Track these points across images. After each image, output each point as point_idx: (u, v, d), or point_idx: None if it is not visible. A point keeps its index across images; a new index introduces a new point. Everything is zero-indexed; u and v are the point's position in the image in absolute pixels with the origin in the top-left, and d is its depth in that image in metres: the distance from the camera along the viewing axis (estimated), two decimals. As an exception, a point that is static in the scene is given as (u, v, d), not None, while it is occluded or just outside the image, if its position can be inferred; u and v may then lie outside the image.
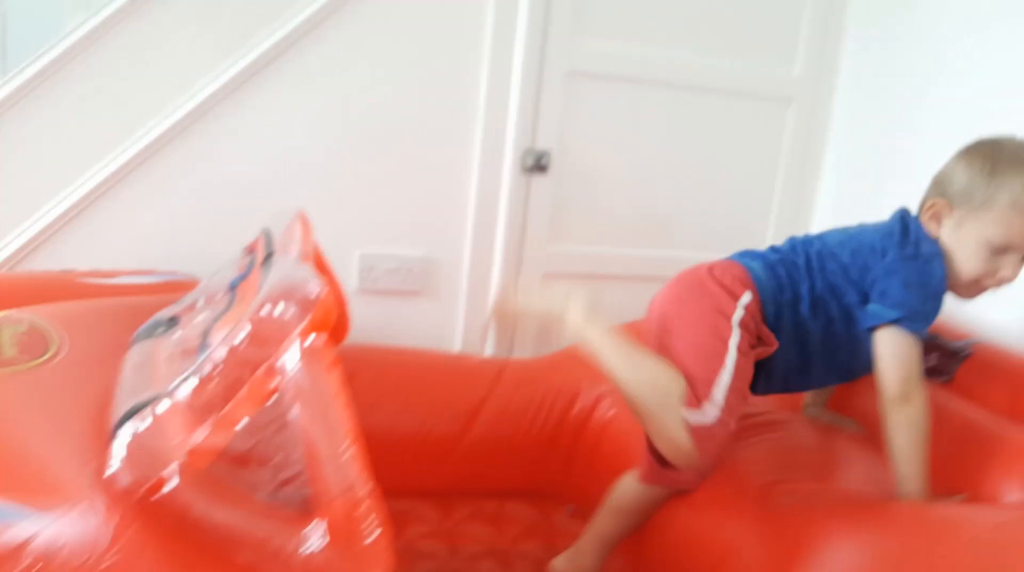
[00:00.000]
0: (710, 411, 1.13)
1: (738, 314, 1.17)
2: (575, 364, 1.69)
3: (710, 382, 1.14)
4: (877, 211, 1.81)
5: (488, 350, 1.89)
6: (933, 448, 1.17)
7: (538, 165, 1.81)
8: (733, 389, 1.14)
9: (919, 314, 1.14)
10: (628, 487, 1.31)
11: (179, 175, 1.64)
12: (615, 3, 1.81)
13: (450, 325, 1.88)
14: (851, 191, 1.94)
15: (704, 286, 1.22)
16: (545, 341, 1.93)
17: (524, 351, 1.91)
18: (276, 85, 1.66)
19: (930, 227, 1.18)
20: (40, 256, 1.59)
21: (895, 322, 1.12)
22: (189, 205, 1.66)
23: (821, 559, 1.01)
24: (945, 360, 1.38)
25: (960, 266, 1.15)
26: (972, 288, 1.17)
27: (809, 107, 1.99)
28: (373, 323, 1.82)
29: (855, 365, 1.21)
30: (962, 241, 1.14)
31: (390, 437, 1.52)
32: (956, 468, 1.21)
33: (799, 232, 2.02)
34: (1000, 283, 1.15)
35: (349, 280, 1.78)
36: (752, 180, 2.01)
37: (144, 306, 1.24)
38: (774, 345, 1.21)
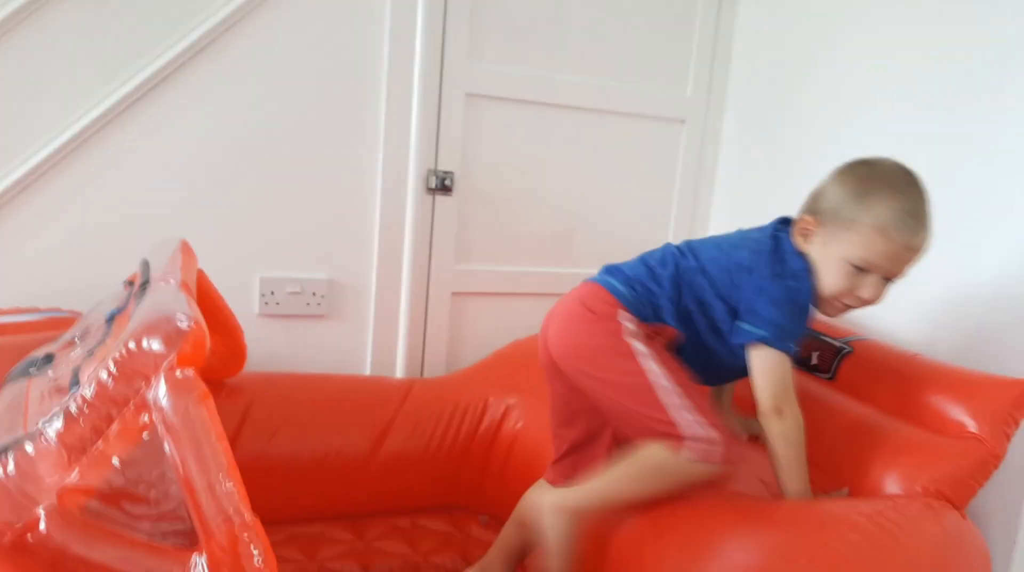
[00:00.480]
0: (692, 431, 1.11)
1: (625, 328, 1.20)
2: (482, 378, 1.72)
3: (664, 415, 1.13)
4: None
5: (399, 372, 1.90)
6: (820, 444, 1.24)
7: (442, 185, 1.83)
8: (680, 393, 1.14)
9: (787, 332, 1.16)
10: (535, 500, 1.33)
11: (62, 204, 1.59)
12: (510, 27, 1.84)
13: (360, 348, 1.88)
14: (742, 204, 2.03)
15: (584, 320, 1.23)
16: (455, 360, 1.95)
17: (435, 370, 1.92)
18: (165, 108, 1.62)
19: (799, 242, 1.21)
20: None
21: (764, 341, 1.16)
22: (73, 236, 1.61)
23: (713, 557, 1.05)
24: (827, 357, 1.43)
25: (823, 282, 1.18)
26: (834, 305, 1.20)
27: (700, 127, 2.07)
28: (278, 348, 1.81)
29: (735, 369, 1.24)
30: (827, 258, 1.17)
31: (296, 462, 1.51)
32: (842, 463, 1.27)
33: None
34: (861, 304, 1.17)
35: (250, 305, 1.76)
36: (650, 196, 2.08)
37: (21, 345, 1.21)
38: (671, 329, 1.23)
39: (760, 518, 1.10)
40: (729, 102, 2.06)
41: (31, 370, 1.05)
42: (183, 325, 0.83)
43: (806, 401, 1.31)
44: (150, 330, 0.82)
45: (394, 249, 1.84)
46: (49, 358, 1.06)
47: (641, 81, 1.99)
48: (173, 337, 0.82)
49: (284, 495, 1.50)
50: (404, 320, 1.87)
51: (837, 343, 1.43)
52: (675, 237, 2.09)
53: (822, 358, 1.44)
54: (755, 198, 1.97)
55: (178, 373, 0.81)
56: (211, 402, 0.81)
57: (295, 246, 1.78)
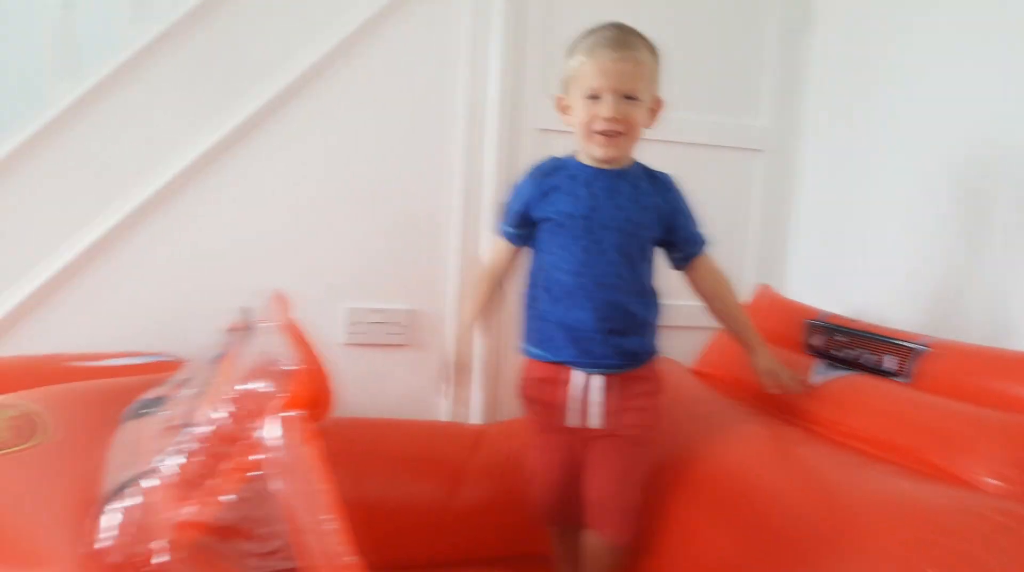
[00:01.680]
0: None
1: None
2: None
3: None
4: (848, 248, 1.87)
5: (446, 399, 1.91)
6: (901, 432, 1.26)
7: (517, 217, 1.86)
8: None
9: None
10: (596, 545, 1.39)
11: (158, 247, 1.69)
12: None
13: (437, 377, 1.91)
14: (825, 231, 1.99)
15: None
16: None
17: (510, 405, 1.94)
18: (257, 151, 1.71)
19: (565, 121, 1.38)
20: (15, 336, 1.62)
21: None
22: (169, 278, 1.70)
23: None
24: (903, 361, 1.41)
25: (576, 125, 1.34)
26: (592, 137, 1.32)
27: (777, 155, 2.05)
28: (361, 376, 1.85)
29: None
30: (573, 109, 1.34)
31: (379, 508, 1.53)
32: (925, 449, 1.22)
33: (774, 274, 2.09)
34: (606, 123, 1.30)
35: (336, 334, 1.82)
36: (726, 226, 2.06)
37: (130, 387, 1.27)
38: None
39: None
40: (807, 129, 2.04)
41: (144, 411, 1.11)
42: (292, 368, 0.87)
43: (886, 401, 1.32)
44: (261, 373, 0.87)
45: (471, 281, 1.87)
46: (160, 400, 1.12)
47: (714, 111, 1.99)
48: (283, 380, 0.86)
49: (366, 541, 1.52)
50: (479, 351, 1.90)
51: (912, 345, 1.41)
52: (751, 267, 2.08)
53: (898, 361, 1.41)
54: (839, 224, 1.94)
55: (288, 414, 0.84)
56: (318, 443, 0.84)
57: (379, 278, 1.84)
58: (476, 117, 1.81)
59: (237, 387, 0.87)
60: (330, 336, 1.81)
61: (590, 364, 1.35)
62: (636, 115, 1.31)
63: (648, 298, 1.40)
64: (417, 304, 1.88)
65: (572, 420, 1.36)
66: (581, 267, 1.33)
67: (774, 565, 1.10)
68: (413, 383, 1.90)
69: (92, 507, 0.91)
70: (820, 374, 1.47)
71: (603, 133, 1.31)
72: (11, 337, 1.62)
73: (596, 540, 1.39)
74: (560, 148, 1.85)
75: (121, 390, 1.27)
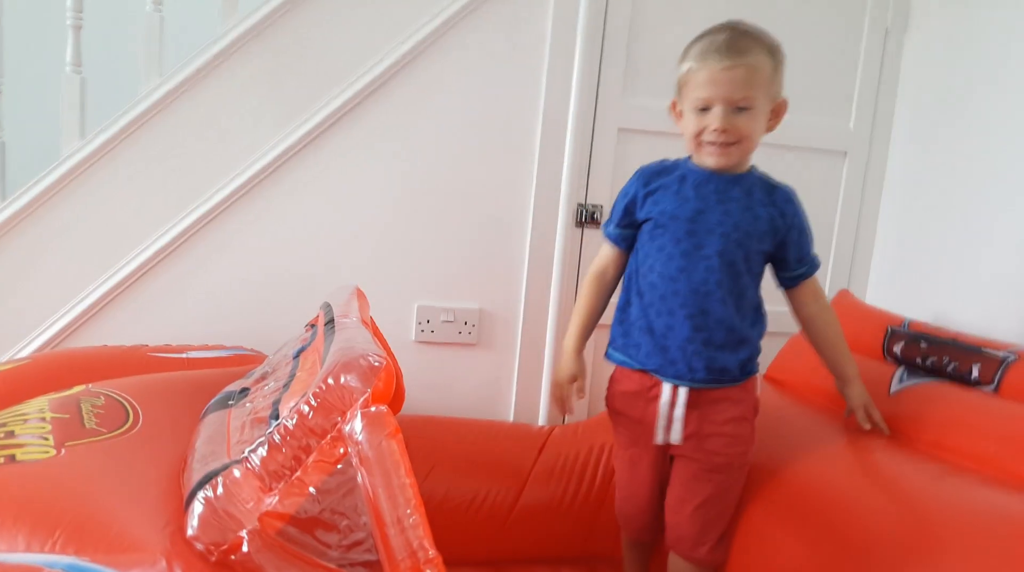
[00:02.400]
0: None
1: None
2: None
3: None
4: (932, 255, 1.80)
5: (542, 417, 1.92)
6: (988, 440, 1.23)
7: (591, 219, 1.84)
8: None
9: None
10: (682, 568, 1.35)
11: (239, 242, 1.73)
12: (664, 62, 1.83)
13: (506, 377, 1.91)
14: (907, 236, 1.93)
15: None
16: (598, 392, 1.94)
17: (578, 407, 1.92)
18: (334, 150, 1.74)
19: (678, 126, 1.33)
20: (100, 327, 1.68)
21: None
22: (247, 274, 1.74)
23: None
24: (989, 370, 1.35)
25: (686, 134, 1.29)
26: (701, 146, 1.27)
27: (864, 158, 1.98)
28: (432, 373, 1.87)
29: None
30: (684, 116, 1.30)
31: (446, 504, 1.54)
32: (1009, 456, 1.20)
33: (856, 278, 2.02)
34: (715, 135, 1.24)
35: (407, 332, 1.83)
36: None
37: (214, 378, 1.31)
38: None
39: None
40: (895, 133, 1.97)
41: (229, 402, 1.13)
42: (376, 363, 0.88)
43: (970, 410, 1.29)
44: (347, 367, 0.87)
45: (542, 282, 1.87)
46: (245, 391, 1.14)
47: (802, 113, 1.93)
48: (368, 374, 0.86)
49: (434, 536, 1.52)
50: (549, 352, 1.89)
51: (1000, 354, 1.35)
52: (833, 270, 2.02)
53: (983, 371, 1.36)
54: (924, 229, 1.87)
55: (373, 409, 0.85)
56: (401, 438, 0.85)
57: (450, 277, 1.84)
58: (556, 118, 1.80)
59: (323, 381, 0.87)
60: (401, 334, 1.83)
61: (675, 375, 1.29)
62: (749, 126, 1.24)
63: (747, 312, 1.31)
64: (488, 304, 1.88)
65: (658, 436, 1.31)
66: (678, 272, 1.27)
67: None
68: (482, 383, 1.90)
69: (179, 496, 0.93)
70: (901, 382, 1.42)
71: (713, 143, 1.25)
72: (97, 327, 1.68)
73: (681, 564, 1.35)
74: (639, 148, 1.86)
75: (205, 382, 1.30)
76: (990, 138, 1.69)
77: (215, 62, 1.66)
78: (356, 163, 1.76)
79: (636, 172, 1.37)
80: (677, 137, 1.86)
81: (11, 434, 1.02)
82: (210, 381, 1.29)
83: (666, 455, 1.36)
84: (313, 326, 1.23)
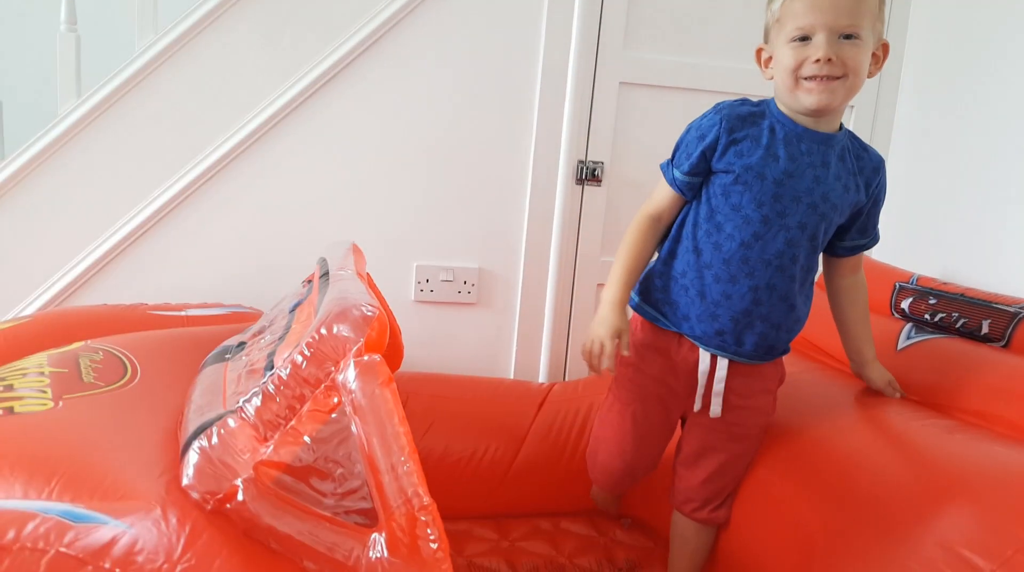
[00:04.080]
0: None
1: None
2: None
3: None
4: (941, 211, 1.78)
5: (542, 375, 1.92)
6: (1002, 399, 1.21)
7: (592, 175, 1.83)
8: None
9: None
10: (686, 526, 1.34)
11: (235, 201, 1.72)
12: (664, 15, 1.81)
13: (506, 336, 1.91)
14: (913, 191, 1.90)
15: None
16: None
17: (579, 364, 1.93)
18: (331, 108, 1.72)
19: (767, 74, 1.19)
20: (101, 285, 1.68)
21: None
22: (247, 231, 1.74)
23: None
24: (1000, 325, 1.34)
25: (780, 73, 1.13)
26: (802, 85, 1.11)
27: (871, 111, 1.94)
28: (431, 333, 1.87)
29: None
30: (777, 56, 1.14)
31: (447, 459, 1.55)
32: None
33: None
34: (820, 67, 1.08)
35: (406, 291, 1.83)
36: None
37: (212, 335, 1.31)
38: None
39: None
40: (903, 84, 1.93)
41: (226, 356, 1.13)
42: (369, 313, 0.87)
43: (978, 365, 1.28)
44: (340, 317, 0.87)
45: (542, 240, 1.86)
46: (242, 345, 1.14)
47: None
48: (360, 324, 0.86)
49: (432, 490, 1.54)
50: (549, 311, 1.89)
51: (1012, 309, 1.34)
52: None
53: (994, 326, 1.35)
54: (932, 183, 1.84)
55: (365, 358, 0.85)
56: (394, 387, 0.85)
57: (449, 236, 1.83)
58: (555, 72, 1.78)
59: (316, 331, 0.87)
60: (400, 294, 1.82)
61: (719, 346, 1.20)
62: (856, 57, 1.08)
63: (808, 293, 1.23)
64: (487, 263, 1.87)
65: (696, 404, 1.25)
66: (752, 238, 1.14)
67: (862, 529, 1.06)
68: (481, 342, 1.90)
69: (176, 446, 0.93)
70: (909, 338, 1.41)
71: (815, 78, 1.09)
72: (97, 286, 1.68)
73: (686, 523, 1.33)
74: (642, 102, 1.84)
75: (203, 337, 1.31)
76: (1001, 90, 1.65)
77: (212, 16, 1.64)
78: (354, 121, 1.74)
79: (716, 110, 1.18)
80: (682, 91, 1.85)
81: (10, 388, 1.02)
82: (208, 337, 1.30)
83: (674, 417, 1.32)
84: (310, 282, 1.22)
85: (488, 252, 1.86)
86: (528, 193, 1.83)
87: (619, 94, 1.81)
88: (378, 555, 0.80)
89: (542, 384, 1.76)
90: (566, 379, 1.92)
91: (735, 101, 1.19)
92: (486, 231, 1.85)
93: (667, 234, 1.25)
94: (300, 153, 1.73)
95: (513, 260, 1.88)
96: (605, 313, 1.19)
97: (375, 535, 0.82)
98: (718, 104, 1.19)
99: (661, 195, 1.24)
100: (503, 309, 1.90)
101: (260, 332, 1.15)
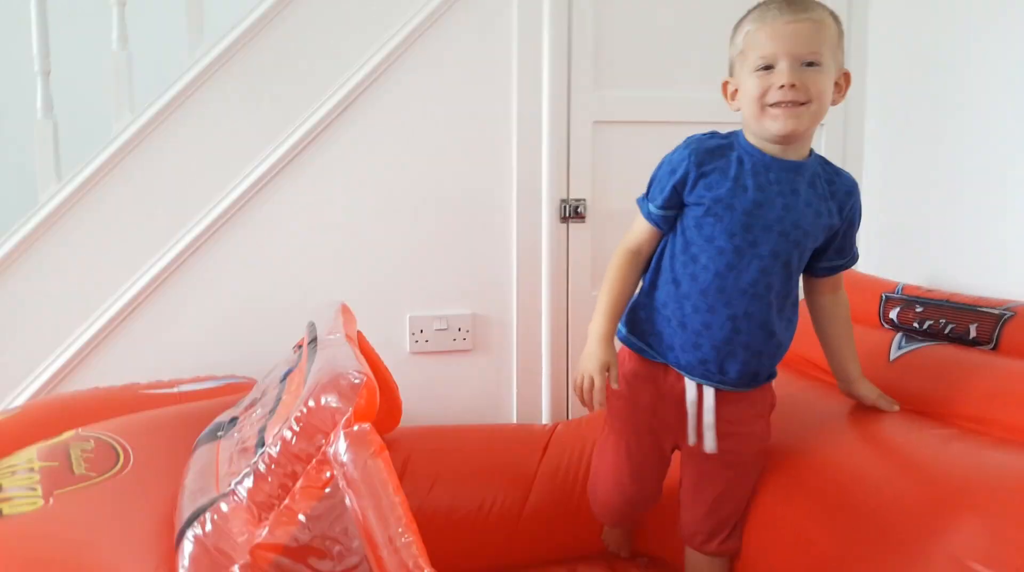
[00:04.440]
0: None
1: None
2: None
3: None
4: (920, 220, 1.78)
5: (545, 416, 1.90)
6: (990, 402, 1.21)
7: (575, 213, 1.83)
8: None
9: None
10: (699, 561, 1.32)
11: (223, 269, 1.71)
12: (631, 53, 1.83)
13: (506, 381, 1.89)
14: (892, 202, 1.90)
15: None
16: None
17: (582, 411, 1.91)
18: (312, 169, 1.72)
19: (733, 106, 1.20)
20: (88, 371, 1.66)
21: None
22: (235, 298, 1.73)
23: None
24: (986, 327, 1.33)
25: (746, 102, 1.15)
26: (766, 111, 1.12)
27: (841, 130, 1.95)
28: (428, 384, 1.85)
29: None
30: (743, 86, 1.16)
31: (453, 515, 1.51)
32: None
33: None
34: (784, 93, 1.10)
35: (402, 344, 1.82)
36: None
37: (205, 411, 1.30)
38: None
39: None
40: (869, 96, 1.94)
41: (219, 433, 1.12)
42: (357, 380, 0.86)
43: (970, 371, 1.27)
44: (327, 388, 0.86)
45: (532, 280, 1.85)
46: (234, 421, 1.13)
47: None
48: (348, 393, 0.85)
49: (442, 548, 1.50)
50: (546, 350, 1.88)
51: (996, 311, 1.33)
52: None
53: (981, 329, 1.34)
54: (908, 193, 1.84)
55: (355, 428, 0.83)
56: (387, 455, 0.83)
57: (440, 285, 1.82)
58: (530, 114, 1.79)
59: (304, 404, 0.86)
60: (396, 346, 1.81)
61: (703, 375, 1.20)
62: (819, 83, 1.10)
63: (790, 316, 1.23)
64: (480, 308, 1.86)
65: (690, 438, 1.24)
66: (726, 268, 1.15)
67: (869, 548, 1.05)
68: (481, 388, 1.88)
69: (171, 534, 0.91)
70: (900, 348, 1.40)
71: (780, 104, 1.11)
72: (88, 370, 1.66)
73: (698, 557, 1.32)
74: (617, 140, 1.84)
75: (196, 415, 1.29)
76: (970, 94, 1.66)
77: (186, 93, 1.65)
78: (334, 181, 1.74)
79: (686, 144, 1.20)
80: (655, 126, 1.86)
81: None
82: (201, 413, 1.29)
83: (666, 448, 1.32)
84: (300, 347, 1.21)
85: (480, 297, 1.86)
86: (515, 235, 1.83)
87: (594, 132, 1.81)
88: (384, 632, 0.78)
89: (545, 425, 1.74)
90: (569, 417, 1.90)
91: (704, 135, 1.21)
92: (476, 276, 1.85)
93: (648, 265, 1.27)
94: (284, 218, 1.73)
95: (505, 303, 1.87)
96: (592, 347, 1.20)
97: (380, 610, 0.80)
98: (688, 138, 1.21)
99: (639, 229, 1.26)
100: (500, 353, 1.88)
101: (252, 405, 1.14)
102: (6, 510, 0.93)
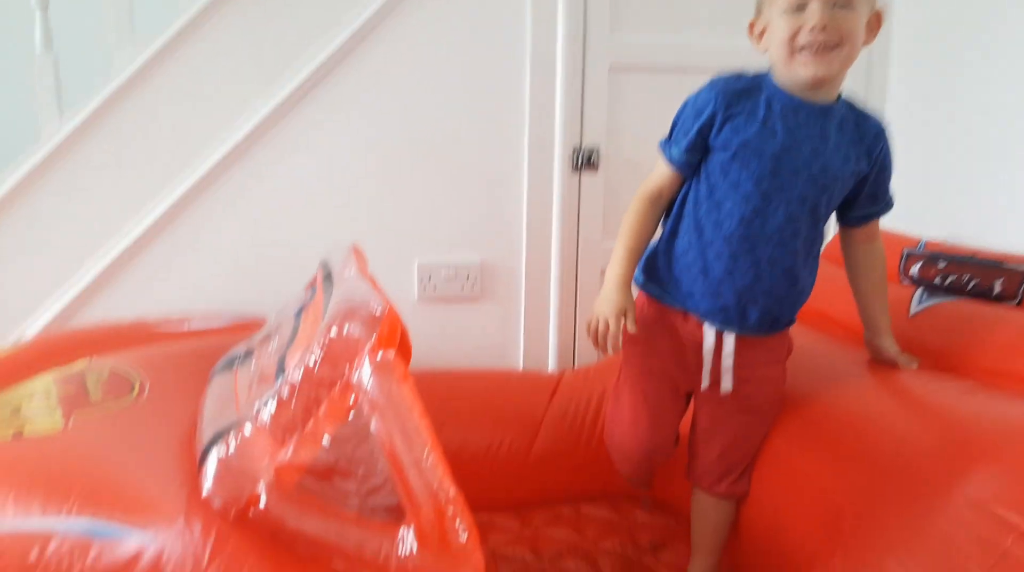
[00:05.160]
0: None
1: None
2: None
3: None
4: (943, 175, 1.77)
5: (551, 364, 1.91)
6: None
7: (588, 162, 1.81)
8: None
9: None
10: (706, 502, 1.33)
11: (233, 207, 1.70)
12: (650, -5, 1.81)
13: (513, 328, 1.90)
14: (916, 157, 1.88)
15: None
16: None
17: (588, 351, 1.91)
18: (323, 108, 1.70)
19: (761, 47, 1.17)
20: (98, 304, 1.66)
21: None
22: (245, 238, 1.72)
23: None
24: (1012, 284, 1.32)
25: (775, 44, 1.12)
26: (796, 54, 1.09)
27: (864, 81, 1.92)
28: (437, 330, 1.85)
29: None
30: (771, 28, 1.12)
31: (462, 454, 1.53)
32: None
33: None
34: (815, 34, 1.07)
35: (409, 290, 1.81)
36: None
37: (216, 345, 1.30)
38: None
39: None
40: (894, 48, 1.91)
41: (235, 364, 1.12)
42: (378, 311, 0.86)
43: (991, 325, 1.26)
44: (350, 316, 0.86)
45: (542, 229, 1.84)
46: (249, 353, 1.13)
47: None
48: (371, 322, 0.85)
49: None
50: (554, 299, 1.88)
51: (1022, 267, 1.32)
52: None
53: (1006, 285, 1.33)
54: (932, 148, 1.82)
55: (379, 355, 0.83)
56: (412, 382, 0.83)
57: (449, 232, 1.82)
58: (543, 59, 1.76)
59: (326, 333, 0.86)
60: (404, 293, 1.81)
61: (724, 321, 1.19)
62: (852, 24, 1.07)
63: (812, 261, 1.21)
64: (489, 256, 1.85)
65: (704, 381, 1.24)
66: (753, 214, 1.13)
67: (889, 494, 1.05)
68: (488, 335, 1.89)
69: (192, 457, 0.92)
70: (920, 303, 1.40)
71: (811, 47, 1.08)
72: (97, 304, 1.66)
73: (705, 498, 1.32)
74: (633, 86, 1.82)
75: (208, 349, 1.30)
76: (997, 44, 1.64)
77: (191, 28, 1.63)
78: (344, 121, 1.72)
79: (711, 85, 1.17)
80: (673, 72, 1.84)
81: (17, 411, 1.01)
82: (213, 348, 1.29)
83: (682, 392, 1.32)
84: (312, 287, 1.21)
85: (489, 245, 1.85)
86: (525, 183, 1.82)
87: (609, 78, 1.79)
88: (408, 550, 0.79)
89: (552, 373, 1.75)
90: (575, 366, 1.91)
91: (730, 75, 1.18)
92: (486, 224, 1.84)
93: (669, 212, 1.25)
94: (292, 158, 1.71)
95: (515, 251, 1.86)
96: (609, 292, 1.18)
97: (403, 530, 0.80)
98: (713, 79, 1.18)
99: (660, 173, 1.23)
100: (507, 301, 1.88)
101: (267, 339, 1.13)
102: (27, 430, 0.94)
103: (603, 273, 1.68)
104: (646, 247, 1.25)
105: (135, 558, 0.78)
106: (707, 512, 1.33)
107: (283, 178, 1.72)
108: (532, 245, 1.85)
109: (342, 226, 1.75)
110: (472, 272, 1.84)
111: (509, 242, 1.85)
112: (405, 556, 0.79)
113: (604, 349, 1.17)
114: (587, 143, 1.81)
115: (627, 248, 1.21)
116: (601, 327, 1.16)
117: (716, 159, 1.16)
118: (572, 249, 1.86)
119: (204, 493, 0.85)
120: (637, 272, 1.27)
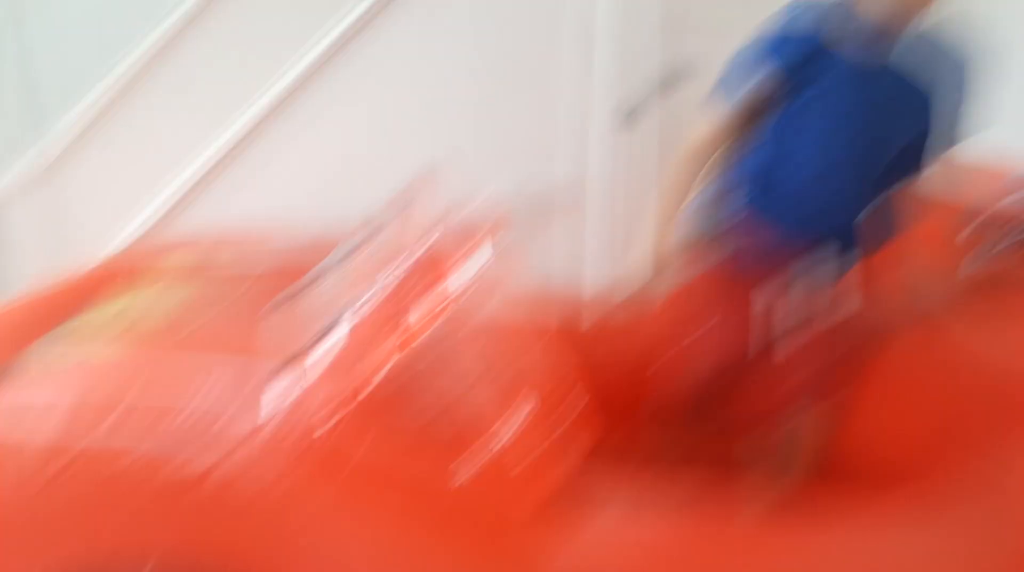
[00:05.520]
0: None
1: None
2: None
3: None
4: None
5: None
6: None
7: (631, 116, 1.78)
8: None
9: None
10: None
11: (311, 129, 1.76)
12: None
13: (578, 247, 1.86)
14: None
15: None
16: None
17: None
18: (370, 55, 1.74)
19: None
20: (187, 210, 1.76)
21: None
22: (323, 159, 1.78)
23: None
24: None
25: None
26: None
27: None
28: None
29: None
30: None
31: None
32: None
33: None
34: None
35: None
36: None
37: (283, 272, 1.29)
38: None
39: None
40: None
41: (319, 277, 1.17)
42: (472, 219, 0.93)
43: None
44: (442, 229, 0.92)
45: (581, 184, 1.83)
46: (345, 257, 1.18)
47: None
48: (467, 230, 0.92)
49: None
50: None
51: None
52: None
53: None
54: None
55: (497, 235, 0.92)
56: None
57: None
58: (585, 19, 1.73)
59: (426, 239, 0.92)
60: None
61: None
62: None
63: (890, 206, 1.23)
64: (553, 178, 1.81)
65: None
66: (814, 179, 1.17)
67: (991, 414, 1.08)
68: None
69: (258, 380, 0.95)
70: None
71: None
72: (187, 210, 1.77)
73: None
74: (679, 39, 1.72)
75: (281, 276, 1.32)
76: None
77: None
78: (390, 70, 1.75)
79: (773, 46, 1.13)
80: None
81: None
82: (282, 274, 1.29)
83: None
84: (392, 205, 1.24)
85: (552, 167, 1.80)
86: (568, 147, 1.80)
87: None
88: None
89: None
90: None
91: (795, 36, 1.13)
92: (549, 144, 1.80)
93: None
94: (371, 79, 1.75)
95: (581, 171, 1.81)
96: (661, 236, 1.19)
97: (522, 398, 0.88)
98: (774, 37, 1.14)
99: (710, 126, 1.19)
100: (575, 221, 1.84)
101: (356, 249, 1.17)
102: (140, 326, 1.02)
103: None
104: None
105: (207, 472, 0.84)
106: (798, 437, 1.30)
107: (363, 99, 1.76)
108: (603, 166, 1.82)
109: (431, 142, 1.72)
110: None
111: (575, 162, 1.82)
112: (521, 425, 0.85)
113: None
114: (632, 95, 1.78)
115: (674, 209, 1.22)
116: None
117: (772, 117, 1.18)
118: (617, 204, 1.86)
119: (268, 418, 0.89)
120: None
